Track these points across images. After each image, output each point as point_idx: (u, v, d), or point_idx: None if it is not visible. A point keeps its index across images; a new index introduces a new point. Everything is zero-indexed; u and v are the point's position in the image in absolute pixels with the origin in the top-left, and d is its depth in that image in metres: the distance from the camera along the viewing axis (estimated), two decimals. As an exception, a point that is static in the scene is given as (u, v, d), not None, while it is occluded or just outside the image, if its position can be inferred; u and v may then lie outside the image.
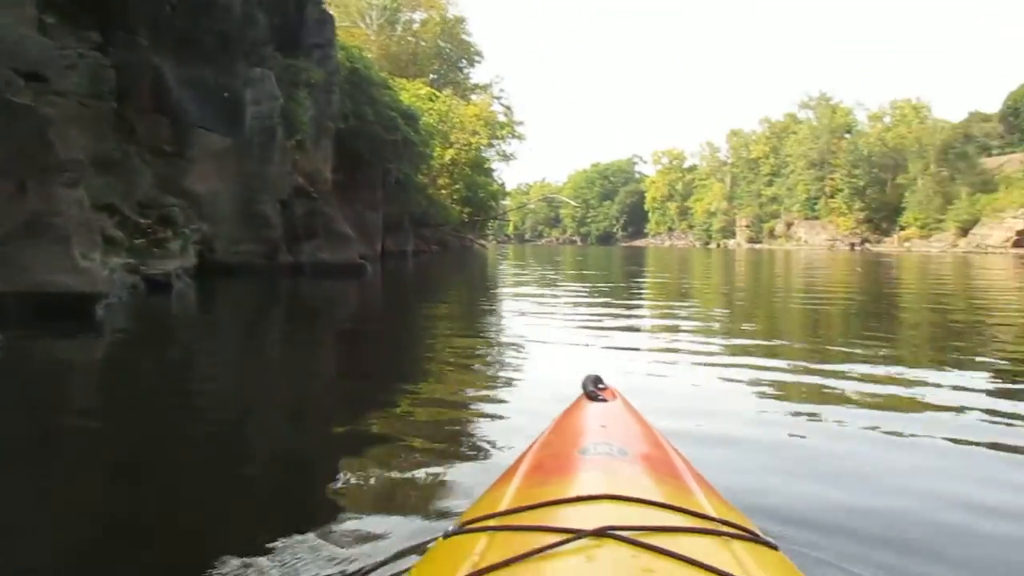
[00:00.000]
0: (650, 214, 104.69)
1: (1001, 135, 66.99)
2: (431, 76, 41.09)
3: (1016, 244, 51.26)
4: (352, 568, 1.78)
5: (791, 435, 3.15)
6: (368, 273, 13.56)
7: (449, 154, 33.23)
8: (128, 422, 3.49)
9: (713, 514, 1.08)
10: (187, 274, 9.83)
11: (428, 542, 1.59)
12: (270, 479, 2.75)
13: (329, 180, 14.63)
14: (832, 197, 73.56)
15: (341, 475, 2.73)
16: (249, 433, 3.47)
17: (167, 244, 9.58)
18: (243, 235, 11.40)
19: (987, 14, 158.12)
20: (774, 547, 1.06)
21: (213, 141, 11.06)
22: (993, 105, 71.16)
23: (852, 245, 66.63)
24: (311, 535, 1.98)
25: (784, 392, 4.14)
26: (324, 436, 3.36)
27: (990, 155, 64.92)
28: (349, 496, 2.48)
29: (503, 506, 1.13)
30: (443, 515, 2.08)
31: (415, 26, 44.18)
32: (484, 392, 4.23)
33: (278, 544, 1.93)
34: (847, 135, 74.79)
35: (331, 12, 17.93)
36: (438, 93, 34.09)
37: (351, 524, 2.12)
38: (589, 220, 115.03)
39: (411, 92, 30.45)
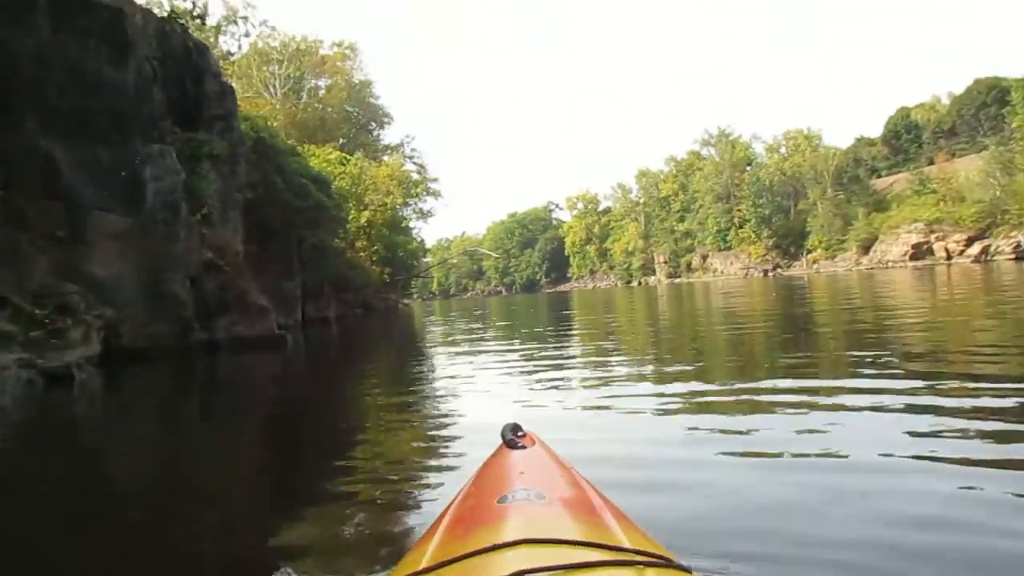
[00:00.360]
0: (571, 259, 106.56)
1: (886, 157, 71.72)
2: (341, 141, 41.06)
3: (913, 257, 54.48)
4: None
5: (711, 464, 3.19)
6: (289, 344, 13.14)
7: (365, 216, 33.06)
8: (26, 535, 3.17)
9: (628, 545, 1.11)
10: (91, 363, 9.25)
11: None
12: (190, 560, 2.67)
13: (240, 252, 14.23)
14: (741, 228, 76.78)
15: (264, 543, 2.72)
16: (164, 519, 3.31)
17: (67, 334, 9.02)
18: (152, 316, 10.86)
19: (864, 43, 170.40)
20: (688, 571, 1.10)
21: (112, 222, 10.59)
22: (876, 130, 76.42)
23: (765, 272, 69.37)
24: None
25: (707, 424, 4.17)
26: (246, 513, 3.29)
27: (879, 176, 69.28)
28: (273, 563, 2.46)
29: (424, 563, 1.12)
30: None
31: (321, 92, 44.26)
32: (411, 451, 4.22)
33: None
34: (748, 168, 78.55)
35: (231, 84, 17.73)
36: (349, 156, 34.03)
37: None
38: (512, 269, 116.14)
39: (321, 157, 30.29)
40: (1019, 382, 4.59)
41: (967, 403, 3.99)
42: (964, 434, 3.34)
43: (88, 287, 10.10)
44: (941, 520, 2.29)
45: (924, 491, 2.59)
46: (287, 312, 20.69)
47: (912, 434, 3.36)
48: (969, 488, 2.60)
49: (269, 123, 24.18)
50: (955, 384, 4.77)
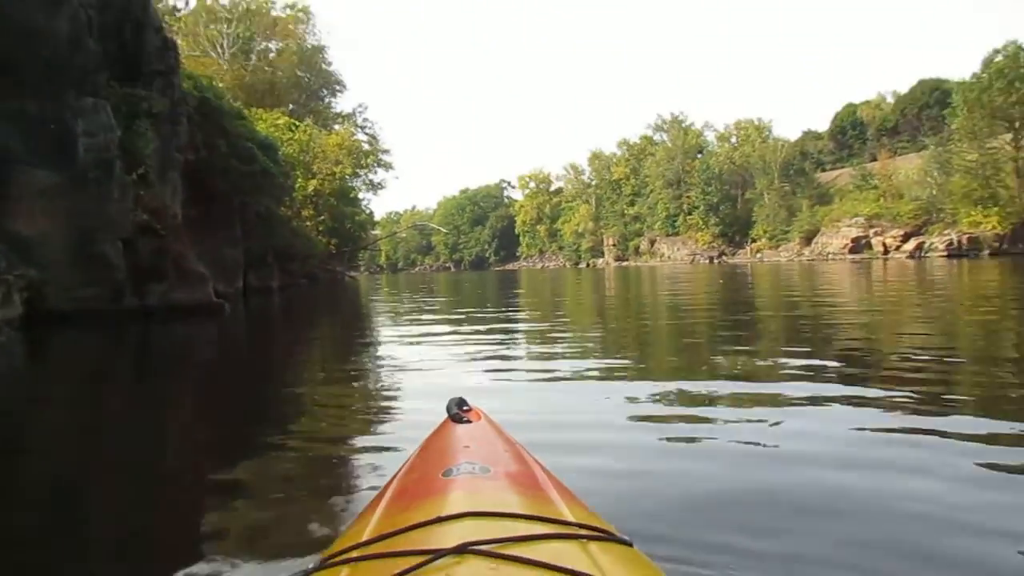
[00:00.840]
0: (521, 237, 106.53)
1: (832, 151, 73.52)
2: (290, 107, 39.88)
3: (852, 250, 56.11)
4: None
5: (652, 445, 3.25)
6: (227, 312, 12.71)
7: (312, 185, 32.26)
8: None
9: (571, 519, 1.13)
10: (11, 326, 8.77)
11: None
12: (119, 531, 2.58)
13: (179, 215, 13.66)
14: (690, 214, 77.83)
15: (199, 521, 2.62)
16: (82, 493, 3.12)
17: (-15, 293, 8.52)
18: (80, 279, 10.32)
19: (816, 38, 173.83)
20: (629, 544, 1.11)
21: (39, 178, 9.98)
22: (823, 124, 78.20)
23: (711, 258, 70.58)
24: None
25: (650, 399, 4.26)
26: (179, 485, 3.16)
27: (824, 170, 71.00)
28: (209, 542, 2.39)
29: (366, 536, 1.12)
30: (309, 553, 1.97)
31: (271, 55, 42.87)
32: (353, 424, 4.15)
33: None
34: (699, 155, 79.50)
35: (174, 39, 16.94)
36: (298, 123, 33.10)
37: (211, 570, 2.04)
38: (461, 246, 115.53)
39: (269, 122, 29.40)
40: (944, 376, 4.81)
41: (897, 391, 4.13)
42: (892, 422, 3.43)
43: (10, 245, 9.54)
44: (871, 507, 2.35)
45: (858, 474, 2.69)
46: (228, 280, 20.07)
47: (840, 421, 3.47)
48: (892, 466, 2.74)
49: (215, 84, 23.28)
50: (889, 374, 4.90)
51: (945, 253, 47.71)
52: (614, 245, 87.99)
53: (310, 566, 1.11)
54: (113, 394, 6.15)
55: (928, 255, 48.75)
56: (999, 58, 49.09)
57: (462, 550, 0.95)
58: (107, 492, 3.11)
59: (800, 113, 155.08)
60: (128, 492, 3.08)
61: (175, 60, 14.33)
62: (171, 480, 3.27)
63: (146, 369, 8.00)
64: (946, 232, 50.78)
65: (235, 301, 19.09)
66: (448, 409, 1.75)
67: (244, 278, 22.00)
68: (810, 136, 76.08)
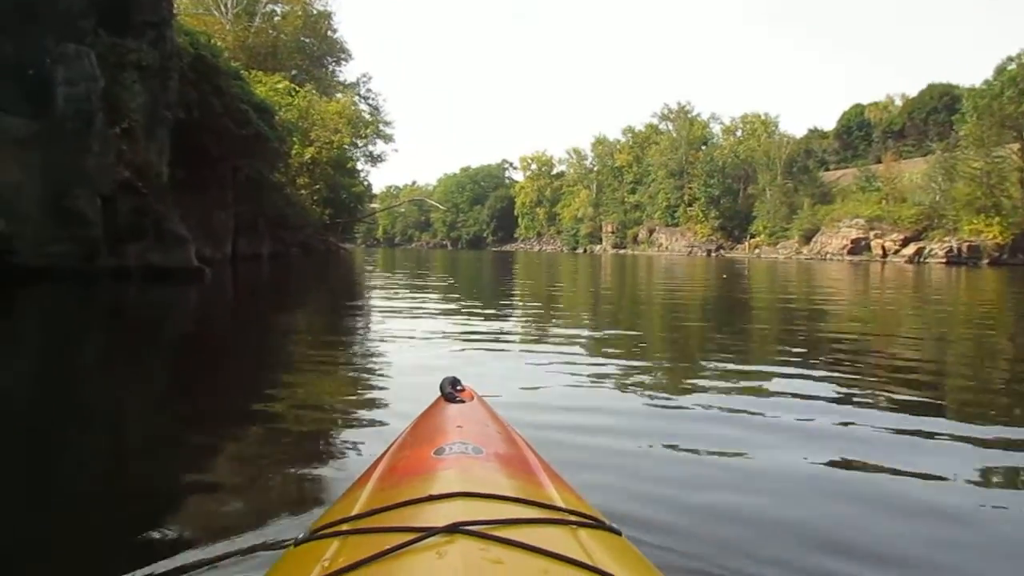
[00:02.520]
0: (520, 219, 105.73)
1: (836, 151, 72.88)
2: (293, 72, 39.08)
3: (851, 251, 55.74)
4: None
5: (644, 429, 3.28)
6: (207, 278, 12.24)
7: (309, 152, 31.60)
8: None
9: (562, 505, 1.13)
10: (-27, 279, 8.32)
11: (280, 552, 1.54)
12: (103, 497, 2.53)
13: (164, 175, 13.15)
14: (690, 206, 77.21)
15: (186, 489, 2.57)
16: (52, 465, 2.87)
17: (-54, 243, 8.04)
18: (53, 234, 9.85)
19: (827, 37, 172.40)
20: (617, 532, 1.12)
21: (13, 125, 9.46)
22: (829, 123, 77.49)
23: (709, 251, 70.15)
24: (156, 550, 1.91)
25: (643, 389, 4.33)
26: (162, 451, 3.06)
27: (827, 169, 70.41)
28: (196, 511, 2.38)
29: (356, 510, 1.12)
30: (296, 524, 1.95)
31: (276, 19, 41.97)
32: (342, 398, 4.10)
33: (123, 559, 1.87)
34: (703, 147, 78.76)
35: (173, -8, 16.30)
36: (298, 88, 32.39)
37: (198, 538, 2.02)
38: (459, 224, 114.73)
39: (268, 86, 28.75)
40: (938, 387, 4.84)
41: (887, 391, 4.33)
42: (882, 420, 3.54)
43: (-21, 194, 9.07)
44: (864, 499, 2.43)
45: (840, 465, 2.81)
46: (216, 245, 19.63)
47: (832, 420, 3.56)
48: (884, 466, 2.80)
49: (213, 42, 22.62)
50: (879, 377, 4.99)
51: (944, 260, 47.36)
52: (612, 232, 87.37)
53: (299, 536, 1.10)
54: (78, 355, 5.79)
55: (927, 261, 48.42)
56: (1012, 66, 48.47)
57: (453, 529, 0.94)
58: (76, 461, 2.93)
59: (807, 110, 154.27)
60: (98, 463, 2.95)
61: (168, 11, 13.74)
62: (147, 451, 3.13)
63: (116, 332, 7.58)
64: (946, 239, 50.37)
65: (222, 266, 18.66)
66: (441, 388, 1.74)
67: (233, 244, 21.57)
68: (816, 134, 75.40)
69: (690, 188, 77.13)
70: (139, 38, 12.40)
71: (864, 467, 2.78)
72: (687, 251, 72.27)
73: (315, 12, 43.44)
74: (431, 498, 1.07)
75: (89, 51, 10.47)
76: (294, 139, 27.96)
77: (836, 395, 4.16)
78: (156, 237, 11.13)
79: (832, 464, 2.82)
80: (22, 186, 9.59)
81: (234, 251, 21.43)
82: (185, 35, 18.55)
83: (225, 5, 38.36)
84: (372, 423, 3.35)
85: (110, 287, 10.38)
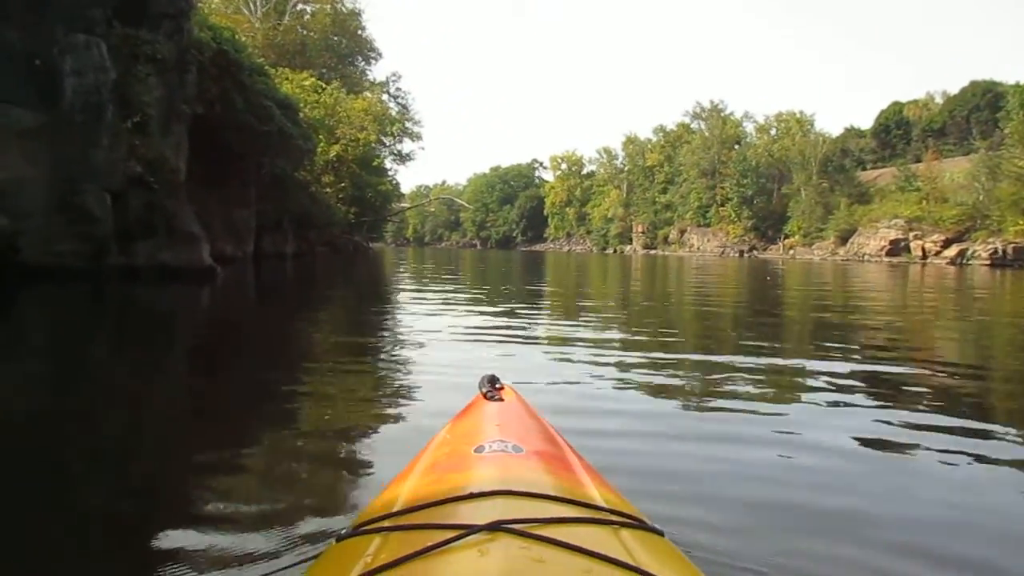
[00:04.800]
0: (549, 219, 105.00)
1: (874, 150, 71.10)
2: (322, 71, 38.87)
3: (889, 253, 54.15)
4: (243, 575, 1.75)
5: (684, 431, 3.26)
6: (219, 277, 11.83)
7: (335, 150, 31.29)
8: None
9: (603, 504, 1.13)
10: (-27, 278, 7.95)
11: (323, 547, 1.49)
12: (143, 496, 2.50)
13: (182, 171, 12.75)
14: (722, 206, 75.86)
15: (226, 487, 2.55)
16: (64, 471, 2.77)
17: (-56, 240, 7.68)
18: (60, 232, 9.48)
19: (864, 34, 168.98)
20: (660, 533, 1.11)
21: (19, 117, 9.10)
22: (866, 122, 75.70)
23: (741, 252, 68.83)
24: (200, 547, 1.91)
25: (680, 390, 4.26)
26: (196, 452, 2.99)
27: (864, 169, 68.69)
28: (238, 507, 2.36)
29: (397, 507, 1.13)
30: (339, 520, 2.03)
31: (306, 17, 41.84)
32: (379, 396, 4.07)
33: (166, 551, 1.90)
34: (736, 146, 77.37)
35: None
36: (324, 85, 32.11)
37: (240, 534, 2.03)
38: (489, 224, 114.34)
39: (295, 83, 28.49)
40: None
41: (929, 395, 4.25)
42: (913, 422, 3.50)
43: (-19, 190, 8.71)
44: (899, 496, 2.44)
45: (880, 474, 2.75)
46: (238, 243, 19.36)
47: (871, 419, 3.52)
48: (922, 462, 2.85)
49: (238, 38, 22.34)
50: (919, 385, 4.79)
51: (988, 262, 45.70)
52: (643, 232, 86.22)
53: (342, 531, 1.13)
54: (85, 359, 5.41)
55: (970, 263, 46.80)
56: (1062, 61, 46.69)
57: (494, 528, 0.94)
58: (107, 461, 2.88)
59: (843, 109, 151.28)
60: (131, 458, 2.91)
61: (187, 3, 13.36)
62: (181, 451, 3.06)
63: (124, 334, 7.16)
64: (990, 240, 48.62)
65: (244, 265, 18.36)
66: (480, 386, 1.75)
67: (257, 242, 21.30)
68: (852, 133, 73.64)
69: (722, 188, 75.77)
70: (155, 30, 12.03)
71: (906, 462, 2.83)
72: (719, 252, 71.00)
73: (345, 10, 43.27)
74: (472, 496, 1.07)
75: (100, 41, 10.09)
76: (320, 137, 27.63)
77: (877, 402, 4.07)
78: (167, 235, 10.74)
79: (874, 460, 2.86)
80: (27, 181, 9.23)
81: (257, 250, 21.18)
82: (208, 29, 18.25)
83: (254, 3, 38.32)
84: (411, 420, 3.34)
85: (118, 287, 10.00)
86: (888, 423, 3.41)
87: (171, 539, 2.04)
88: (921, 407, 3.85)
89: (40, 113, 9.29)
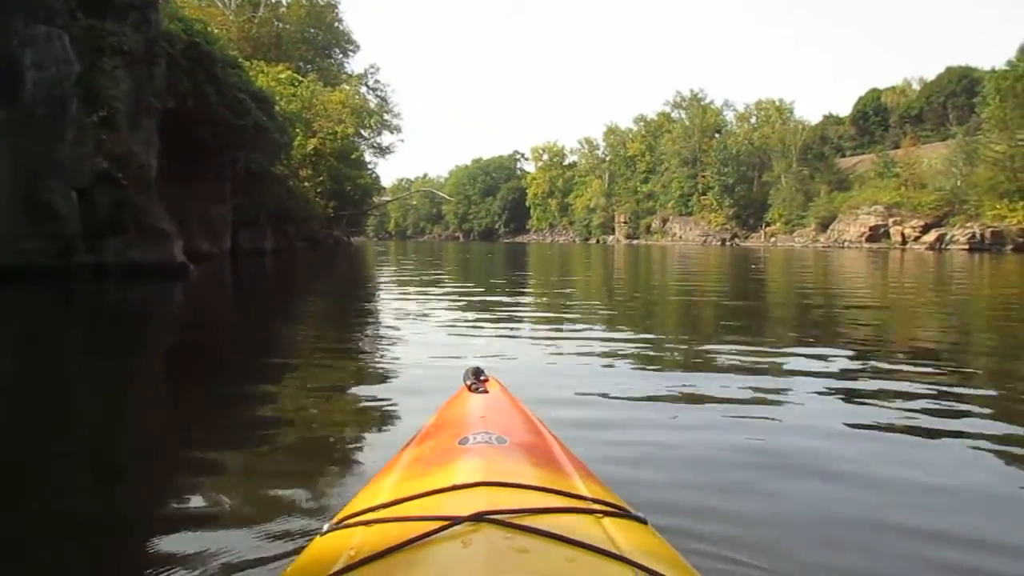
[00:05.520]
0: (532, 210, 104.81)
1: (852, 137, 71.43)
2: (299, 64, 38.30)
3: (869, 239, 54.51)
4: (228, 571, 1.75)
5: (666, 418, 3.27)
6: (191, 275, 11.55)
7: (312, 144, 30.87)
8: None
9: (586, 494, 1.13)
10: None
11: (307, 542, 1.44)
12: (122, 497, 2.49)
13: (152, 166, 12.42)
14: (704, 194, 76.03)
15: (208, 484, 2.54)
16: (85, 461, 2.88)
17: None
18: (23, 231, 9.18)
19: (842, 21, 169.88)
20: (643, 521, 1.12)
21: (-23, 113, 8.84)
22: (844, 109, 76.00)
23: (723, 240, 69.01)
24: (183, 545, 1.92)
25: (665, 379, 4.24)
26: (176, 451, 2.97)
27: (843, 156, 69.01)
28: (221, 505, 2.36)
29: (381, 499, 1.13)
30: (323, 514, 2.02)
31: (281, 9, 41.23)
32: (362, 390, 4.05)
33: (152, 551, 1.92)
34: (717, 135, 77.48)
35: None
36: (301, 78, 31.66)
37: (224, 530, 2.04)
38: (471, 216, 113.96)
39: (271, 76, 28.05)
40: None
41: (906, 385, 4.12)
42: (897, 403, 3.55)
43: (-60, 188, 8.40)
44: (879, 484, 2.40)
45: (854, 454, 2.74)
46: (214, 239, 19.03)
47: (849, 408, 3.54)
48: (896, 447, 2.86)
49: (211, 30, 21.93)
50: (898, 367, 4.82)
51: (966, 246, 46.11)
52: (625, 222, 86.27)
53: (324, 528, 1.11)
54: (56, 359, 5.28)
55: (948, 248, 47.19)
56: (1036, 46, 47.02)
57: (478, 518, 0.95)
58: (88, 468, 2.83)
59: (822, 96, 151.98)
60: (109, 468, 2.83)
61: (152, -7, 12.99)
62: (160, 451, 3.01)
63: (95, 334, 6.95)
64: (968, 225, 49.05)
65: (220, 261, 18.05)
66: (464, 378, 1.75)
67: (234, 238, 20.97)
68: (831, 120, 73.93)
69: (704, 177, 75.92)
70: (121, 21, 11.70)
71: (893, 444, 2.85)
72: (701, 240, 71.15)
73: (320, 2, 42.68)
74: (456, 487, 1.07)
75: (62, 33, 9.77)
76: (297, 130, 27.24)
77: (868, 381, 4.13)
78: (137, 232, 10.46)
79: (863, 444, 2.86)
80: (-12, 179, 8.93)
81: (235, 246, 20.84)
82: (179, 21, 17.87)
83: (227, -4, 37.69)
84: (395, 414, 3.34)
85: (87, 286, 9.72)
86: (877, 407, 3.44)
87: (152, 538, 2.04)
88: (911, 390, 3.85)
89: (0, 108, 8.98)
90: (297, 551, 1.51)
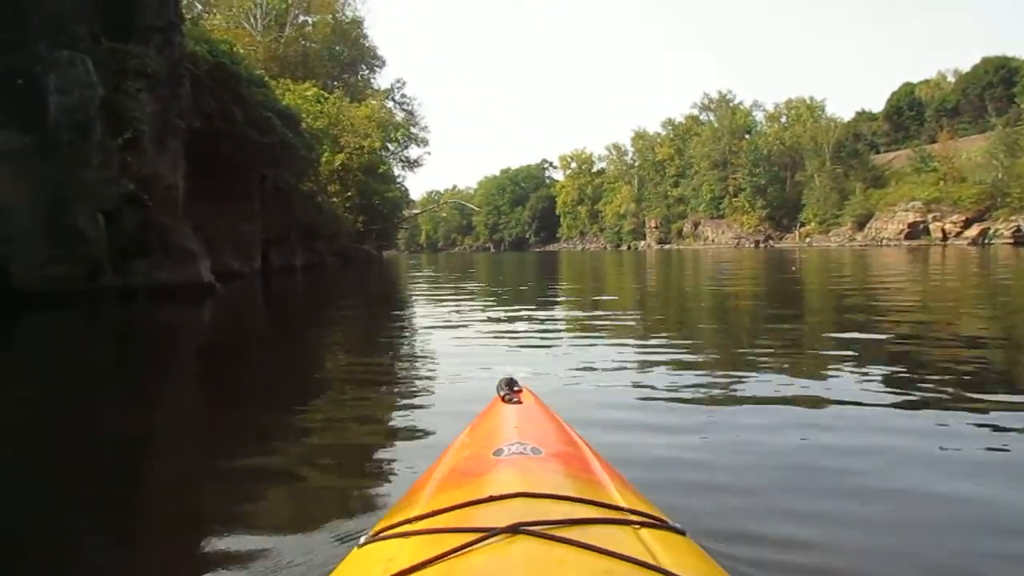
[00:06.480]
0: (562, 219, 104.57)
1: (887, 133, 70.04)
2: (325, 80, 38.65)
3: (908, 236, 53.19)
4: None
5: (703, 426, 3.14)
6: (219, 293, 11.49)
7: (339, 159, 31.01)
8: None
9: (623, 504, 1.12)
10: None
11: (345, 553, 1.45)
12: (165, 507, 2.53)
13: (178, 187, 12.46)
14: (735, 196, 75.08)
15: (247, 497, 2.56)
16: (127, 476, 2.89)
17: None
18: (51, 255, 9.18)
19: (872, 16, 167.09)
20: (681, 532, 1.10)
21: (2, 139, 8.84)
22: (877, 104, 74.61)
23: (757, 242, 68.00)
24: (223, 554, 1.97)
25: (698, 389, 4.05)
26: (215, 467, 2.95)
27: (878, 152, 67.64)
28: (259, 516, 2.38)
29: (417, 511, 1.13)
30: (359, 526, 2.02)
31: (307, 28, 41.70)
32: (396, 402, 4.04)
33: (192, 561, 1.97)
34: (747, 135, 76.54)
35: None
36: (327, 95, 31.86)
37: (263, 541, 2.05)
38: (501, 226, 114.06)
39: (297, 94, 28.25)
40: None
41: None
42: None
43: (-33, 215, 8.42)
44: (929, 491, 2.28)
45: (903, 458, 2.63)
46: (244, 258, 19.08)
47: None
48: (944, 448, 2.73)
49: (236, 50, 22.13)
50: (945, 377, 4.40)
51: (1011, 240, 44.74)
52: (656, 227, 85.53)
53: (361, 540, 1.12)
54: (86, 384, 5.11)
55: (992, 242, 45.81)
56: (1078, 31, 45.59)
57: (514, 530, 0.94)
58: (132, 479, 2.85)
59: (854, 93, 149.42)
60: (151, 481, 2.89)
61: (175, 14, 13.06)
62: (200, 466, 3.00)
63: (126, 357, 6.83)
64: (1013, 218, 47.64)
65: (251, 280, 18.08)
66: (498, 389, 1.76)
67: (264, 256, 21.04)
68: (864, 116, 72.59)
69: (735, 178, 74.99)
70: (144, 44, 11.74)
71: (936, 451, 2.72)
72: (734, 243, 70.21)
73: (346, 20, 43.08)
74: (491, 499, 1.07)
75: (85, 57, 9.80)
76: (324, 146, 27.37)
77: (908, 396, 3.80)
78: (163, 253, 10.43)
79: (905, 448, 2.76)
80: (15, 204, 8.94)
81: (266, 263, 20.91)
82: (204, 42, 18.02)
83: (255, 16, 38.21)
84: (429, 426, 3.31)
85: (114, 309, 9.69)
86: (925, 411, 3.33)
87: (193, 547, 2.09)
88: (955, 395, 3.66)
89: (24, 134, 9.01)
90: (334, 563, 1.40)
